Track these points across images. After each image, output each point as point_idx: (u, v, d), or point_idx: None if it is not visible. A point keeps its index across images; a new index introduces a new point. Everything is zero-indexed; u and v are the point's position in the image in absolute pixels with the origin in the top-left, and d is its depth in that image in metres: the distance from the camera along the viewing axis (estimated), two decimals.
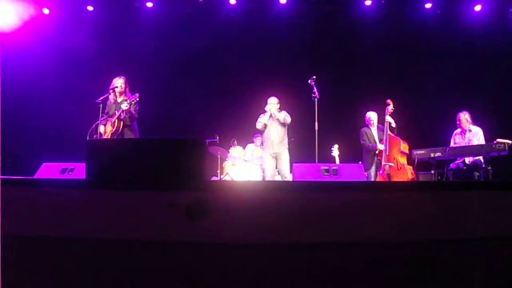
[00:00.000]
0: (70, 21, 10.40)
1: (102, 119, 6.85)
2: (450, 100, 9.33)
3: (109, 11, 10.52)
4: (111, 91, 7.01)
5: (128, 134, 6.92)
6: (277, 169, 7.91)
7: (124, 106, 6.73)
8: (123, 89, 7.05)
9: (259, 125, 7.88)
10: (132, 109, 6.84)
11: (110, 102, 7.06)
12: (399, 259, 2.56)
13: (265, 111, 7.89)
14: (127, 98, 6.92)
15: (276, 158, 7.77)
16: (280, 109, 7.91)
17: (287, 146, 7.85)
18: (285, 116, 7.74)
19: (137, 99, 6.82)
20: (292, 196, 2.62)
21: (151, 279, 2.55)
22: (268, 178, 7.81)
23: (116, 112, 6.84)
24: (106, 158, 2.94)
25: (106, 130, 6.86)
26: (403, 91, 9.44)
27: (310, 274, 2.54)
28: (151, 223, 2.57)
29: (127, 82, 7.14)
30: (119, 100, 7.01)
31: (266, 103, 7.82)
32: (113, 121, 6.80)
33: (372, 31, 10.38)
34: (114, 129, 6.79)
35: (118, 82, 7.04)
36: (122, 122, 6.84)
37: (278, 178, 7.98)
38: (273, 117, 7.77)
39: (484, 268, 2.58)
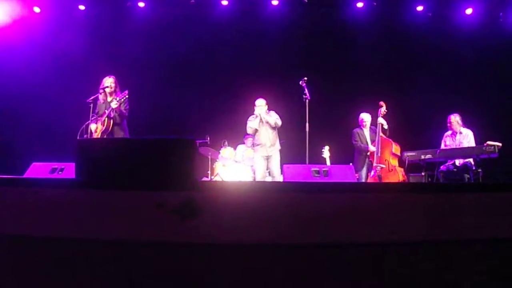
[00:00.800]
0: (61, 20, 10.35)
1: (92, 118, 6.83)
2: (441, 102, 9.36)
3: (100, 10, 10.48)
4: (101, 91, 6.98)
5: (118, 133, 6.89)
6: (268, 170, 7.88)
7: (114, 104, 6.68)
8: (113, 89, 7.01)
9: (249, 130, 7.86)
10: (122, 107, 6.81)
11: (100, 102, 7.03)
12: (391, 260, 2.57)
13: (253, 114, 7.84)
14: (117, 97, 6.89)
15: (267, 159, 7.75)
16: (269, 109, 7.88)
17: (279, 148, 7.83)
18: (276, 120, 7.72)
19: (127, 96, 6.77)
20: (282, 197, 2.61)
21: (140, 279, 2.54)
22: (258, 179, 7.77)
23: (106, 111, 6.81)
24: (96, 158, 2.92)
25: (96, 129, 6.83)
26: (395, 93, 9.48)
27: (300, 274, 2.53)
28: (141, 223, 2.56)
29: (118, 81, 7.11)
30: (109, 99, 6.97)
31: (255, 105, 7.75)
32: (103, 119, 6.77)
33: (363, 33, 10.41)
34: (104, 128, 6.75)
35: (108, 82, 7.01)
36: (112, 121, 6.80)
37: (268, 179, 7.95)
38: (263, 120, 7.72)
39: (475, 270, 2.59)
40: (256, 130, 7.76)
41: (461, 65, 10.11)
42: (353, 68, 10.42)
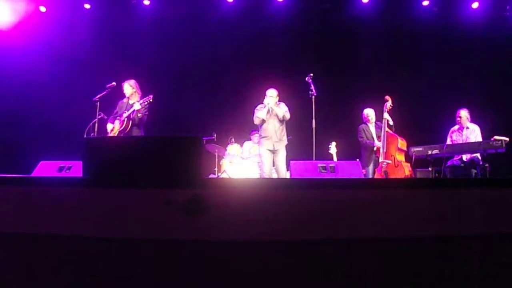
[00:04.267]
0: (67, 19, 10.37)
1: (111, 117, 6.92)
2: (447, 97, 9.34)
3: (106, 8, 10.49)
4: (108, 89, 7.03)
5: (136, 134, 6.93)
6: (274, 166, 7.63)
7: (137, 106, 6.75)
8: (130, 91, 7.11)
9: (256, 121, 7.52)
10: (142, 111, 6.85)
11: (122, 102, 7.11)
12: (397, 256, 2.57)
13: (262, 103, 7.55)
14: (140, 99, 6.97)
15: (273, 153, 7.44)
16: (279, 102, 7.64)
17: (286, 143, 7.55)
18: (285, 113, 7.42)
19: (151, 100, 6.83)
20: (289, 194, 2.62)
21: (148, 277, 2.55)
22: (266, 173, 7.50)
23: (126, 111, 6.86)
24: (103, 156, 2.94)
25: (113, 128, 6.87)
26: (401, 88, 9.44)
27: (307, 270, 2.54)
28: (148, 220, 2.57)
29: (138, 84, 7.23)
30: (130, 101, 7.07)
31: (262, 101, 7.58)
32: (122, 119, 6.81)
33: (369, 28, 10.38)
34: (122, 128, 6.79)
35: (125, 86, 7.15)
36: (131, 122, 6.84)
37: (274, 175, 7.79)
38: (271, 112, 7.44)
39: (482, 265, 2.58)
40: (263, 121, 7.44)
41: (468, 59, 10.06)
42: (359, 63, 10.36)
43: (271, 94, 7.51)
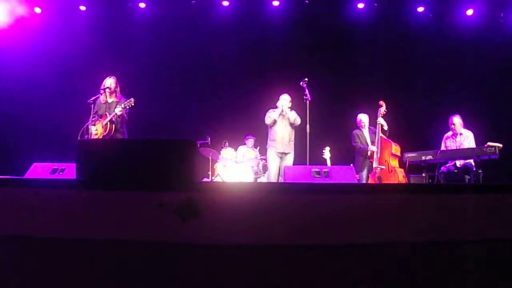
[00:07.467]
0: (62, 20, 10.34)
1: (93, 119, 6.82)
2: (441, 103, 9.39)
3: (101, 11, 10.47)
4: (102, 91, 6.96)
5: (120, 135, 6.88)
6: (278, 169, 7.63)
7: (118, 110, 6.67)
8: (113, 89, 6.98)
9: (268, 120, 7.60)
10: (124, 112, 6.79)
11: (101, 102, 7.00)
12: (390, 261, 2.57)
13: (275, 106, 7.67)
14: (118, 100, 6.89)
15: (281, 157, 7.54)
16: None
17: (293, 147, 7.63)
18: (296, 117, 7.54)
19: (133, 104, 6.76)
20: (282, 198, 2.61)
21: (141, 280, 2.54)
22: (272, 178, 7.52)
23: (108, 113, 6.78)
24: (97, 158, 2.93)
25: (97, 131, 6.80)
26: (395, 94, 9.45)
27: (300, 275, 2.53)
28: (142, 223, 2.56)
29: (118, 82, 7.09)
30: (109, 100, 6.96)
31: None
32: (104, 123, 6.74)
33: (364, 34, 10.41)
34: (106, 132, 6.72)
35: (109, 82, 6.99)
36: (114, 126, 6.78)
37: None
38: (284, 115, 7.56)
39: (477, 270, 2.59)
40: (275, 122, 7.55)
41: (462, 65, 10.11)
42: (354, 68, 10.40)
43: (285, 98, 7.69)
